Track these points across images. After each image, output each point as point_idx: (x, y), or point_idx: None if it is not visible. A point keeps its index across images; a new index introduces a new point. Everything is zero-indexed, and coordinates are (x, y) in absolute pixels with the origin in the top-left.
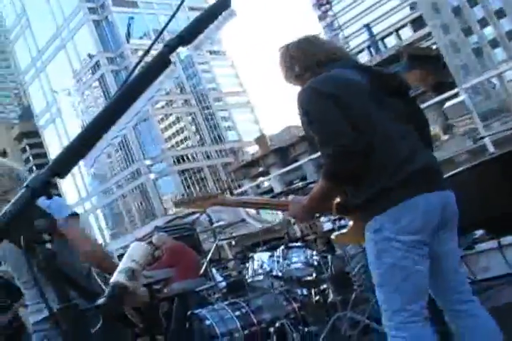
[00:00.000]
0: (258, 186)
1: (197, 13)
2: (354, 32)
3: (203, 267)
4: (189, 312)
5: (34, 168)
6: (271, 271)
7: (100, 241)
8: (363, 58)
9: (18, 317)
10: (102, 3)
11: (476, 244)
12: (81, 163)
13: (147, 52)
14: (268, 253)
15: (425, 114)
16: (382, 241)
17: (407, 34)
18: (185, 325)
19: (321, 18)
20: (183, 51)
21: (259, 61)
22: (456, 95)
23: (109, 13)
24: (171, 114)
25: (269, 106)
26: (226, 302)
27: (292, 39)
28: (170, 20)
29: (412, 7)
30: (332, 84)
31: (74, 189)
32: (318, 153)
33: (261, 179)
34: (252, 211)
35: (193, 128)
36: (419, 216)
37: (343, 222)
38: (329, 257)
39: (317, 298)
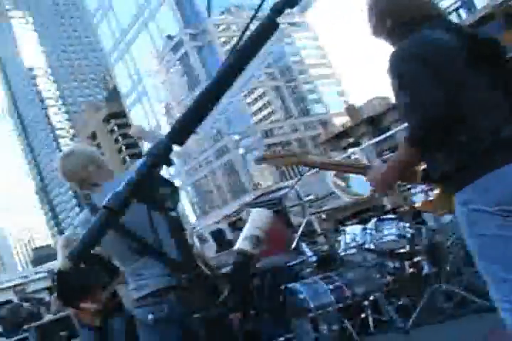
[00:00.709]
0: (349, 157)
1: None
2: None
3: (294, 242)
4: (282, 287)
5: (123, 147)
6: (363, 243)
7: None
8: (454, 19)
9: (115, 295)
10: None
11: None
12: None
13: (254, 16)
14: (360, 226)
15: None
16: (472, 212)
17: None
18: (278, 299)
19: None
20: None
21: (342, 31)
22: None
23: None
24: (255, 88)
25: (355, 77)
26: (319, 276)
27: None
28: None
29: None
30: (425, 47)
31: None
32: None
33: (351, 150)
34: (341, 184)
35: (279, 101)
36: (508, 186)
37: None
38: (423, 229)
39: (411, 270)
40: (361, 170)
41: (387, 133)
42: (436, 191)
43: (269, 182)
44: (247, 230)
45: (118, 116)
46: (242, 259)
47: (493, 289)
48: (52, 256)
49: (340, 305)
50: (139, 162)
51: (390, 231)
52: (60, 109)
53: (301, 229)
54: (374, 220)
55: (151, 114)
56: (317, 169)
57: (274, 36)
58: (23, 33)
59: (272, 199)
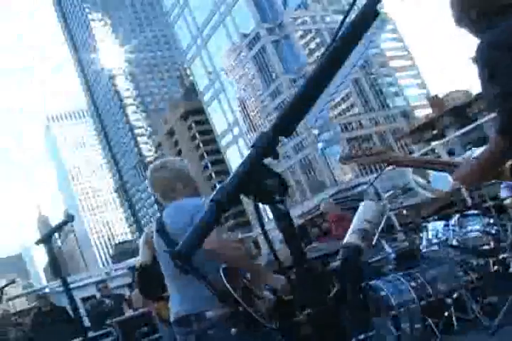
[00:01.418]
0: (433, 150)
1: None
2: None
3: (374, 238)
4: (364, 283)
5: (201, 144)
6: (446, 240)
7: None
8: None
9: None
10: None
11: None
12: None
13: (354, 3)
14: (442, 222)
15: None
16: None
17: None
18: (359, 295)
19: None
20: None
21: (423, 22)
22: None
23: None
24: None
25: (435, 69)
26: (401, 273)
27: None
28: None
29: None
30: None
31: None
32: None
33: (434, 143)
34: (421, 180)
35: (359, 94)
36: None
37: None
38: (509, 225)
39: (496, 267)
40: (449, 167)
41: (473, 124)
42: None
43: (349, 177)
44: (355, 223)
45: (196, 113)
46: (351, 253)
47: None
48: (132, 252)
49: (423, 303)
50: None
51: (474, 227)
52: (138, 107)
53: (381, 225)
54: (457, 216)
55: (229, 110)
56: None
57: None
58: (101, 34)
59: (351, 196)
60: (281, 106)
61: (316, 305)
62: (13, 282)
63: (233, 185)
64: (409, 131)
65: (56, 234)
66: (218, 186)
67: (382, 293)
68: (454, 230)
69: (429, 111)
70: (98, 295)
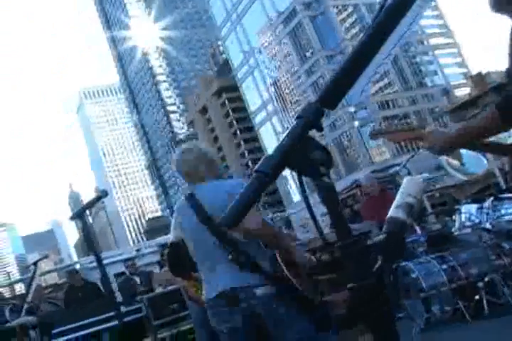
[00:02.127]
0: None
1: None
2: None
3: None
4: (395, 265)
5: (234, 122)
6: (479, 223)
7: None
8: None
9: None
10: None
11: None
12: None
13: None
14: (476, 205)
15: None
16: None
17: None
18: (389, 276)
19: None
20: None
21: None
22: None
23: None
24: None
25: (475, 48)
26: (432, 256)
27: None
28: None
29: None
30: None
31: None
32: None
33: None
34: (455, 162)
35: (397, 72)
36: None
37: None
38: None
39: None
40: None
41: None
42: None
43: (386, 157)
44: (399, 198)
45: (229, 89)
46: (395, 227)
47: None
48: (165, 227)
49: (454, 286)
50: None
51: (508, 210)
52: (170, 84)
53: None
54: (491, 199)
55: (263, 87)
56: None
57: None
58: (135, 10)
59: (383, 177)
60: (317, 84)
61: (360, 280)
62: (46, 257)
63: (278, 156)
64: (449, 109)
65: (87, 211)
66: (263, 157)
67: (413, 275)
68: (487, 213)
69: (468, 90)
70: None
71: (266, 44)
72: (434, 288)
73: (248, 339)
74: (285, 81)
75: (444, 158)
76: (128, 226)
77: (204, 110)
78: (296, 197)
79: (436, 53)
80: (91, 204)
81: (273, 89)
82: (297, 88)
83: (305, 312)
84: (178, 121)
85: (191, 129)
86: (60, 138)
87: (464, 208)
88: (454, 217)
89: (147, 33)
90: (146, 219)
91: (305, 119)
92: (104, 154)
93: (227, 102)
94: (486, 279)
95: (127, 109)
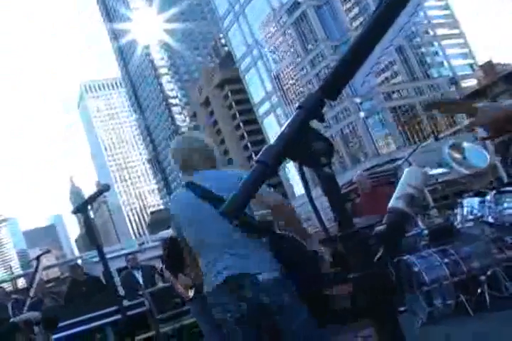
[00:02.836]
0: None
1: None
2: None
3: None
4: (397, 259)
5: (237, 114)
6: (482, 216)
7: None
8: None
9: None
10: None
11: None
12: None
13: None
14: (478, 199)
15: None
16: None
17: None
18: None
19: None
20: None
21: None
22: None
23: None
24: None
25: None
26: (434, 249)
27: None
28: None
29: None
30: None
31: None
32: None
33: None
34: (457, 155)
35: (403, 62)
36: None
37: None
38: None
39: None
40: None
41: None
42: None
43: (392, 148)
44: (399, 188)
45: (232, 81)
46: (396, 218)
47: None
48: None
49: (456, 280)
50: (292, 116)
51: (511, 204)
52: (172, 77)
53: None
54: (493, 193)
55: (267, 79)
56: (433, 140)
57: None
58: (136, 3)
59: (386, 171)
60: (321, 74)
61: (362, 269)
62: (48, 251)
63: (279, 146)
64: (458, 98)
65: (88, 206)
66: (264, 147)
67: (415, 269)
68: (489, 207)
69: (474, 82)
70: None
71: (269, 35)
72: (436, 281)
73: (254, 327)
74: (289, 72)
75: (446, 151)
76: (130, 220)
77: (207, 102)
78: (301, 190)
79: (442, 44)
80: (93, 198)
81: (277, 81)
82: (301, 79)
83: (306, 302)
84: (180, 114)
85: (193, 122)
86: (61, 133)
87: (466, 202)
88: (456, 210)
89: (148, 26)
90: (149, 213)
91: (306, 109)
92: (106, 148)
93: (230, 94)
94: (488, 273)
95: (128, 103)
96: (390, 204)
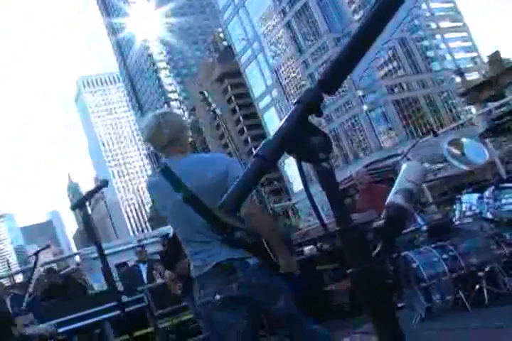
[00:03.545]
0: (490, 111)
1: None
2: None
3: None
4: (395, 255)
5: (237, 108)
6: (480, 212)
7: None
8: None
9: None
10: None
11: None
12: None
13: None
14: (476, 195)
15: None
16: None
17: None
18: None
19: None
20: None
21: None
22: None
23: None
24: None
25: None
26: (433, 245)
27: None
28: None
29: None
30: None
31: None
32: None
33: (494, 103)
34: (456, 151)
35: (406, 55)
36: None
37: None
38: None
39: None
40: None
41: None
42: None
43: (395, 141)
44: (398, 183)
45: (232, 75)
46: (394, 213)
47: None
48: None
49: (454, 275)
50: (290, 111)
51: (509, 200)
52: (171, 71)
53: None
54: (491, 188)
55: (268, 72)
56: (432, 136)
57: None
58: None
59: (384, 167)
60: (324, 67)
61: (360, 264)
62: (48, 247)
63: (277, 141)
64: (464, 90)
65: (87, 202)
66: (263, 142)
67: (414, 265)
68: (488, 203)
69: (476, 76)
70: (131, 262)
71: (270, 27)
72: (434, 277)
73: (241, 308)
74: (290, 65)
75: (445, 148)
76: (128, 216)
77: (205, 97)
78: (301, 185)
79: (445, 37)
80: (91, 194)
81: (277, 74)
82: (303, 72)
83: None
84: (179, 108)
85: (192, 117)
86: (58, 129)
87: (464, 198)
88: (454, 206)
89: (147, 20)
90: (147, 208)
91: (304, 104)
92: (104, 143)
93: (229, 88)
94: (487, 269)
95: (127, 98)
96: (388, 199)
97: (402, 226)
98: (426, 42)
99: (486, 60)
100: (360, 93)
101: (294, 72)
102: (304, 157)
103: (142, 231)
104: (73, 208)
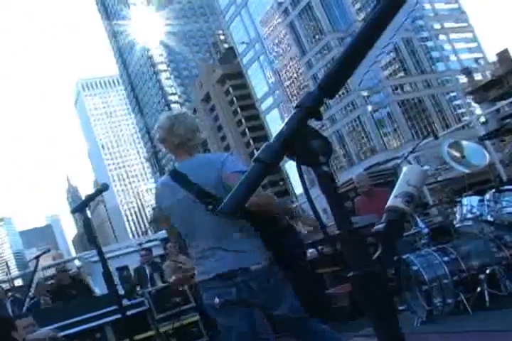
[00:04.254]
0: (498, 110)
1: None
2: None
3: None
4: (396, 257)
5: (238, 109)
6: (481, 215)
7: None
8: None
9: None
10: None
11: None
12: None
13: None
14: (477, 198)
15: None
16: None
17: None
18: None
19: None
20: None
21: None
22: None
23: None
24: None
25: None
26: (434, 248)
27: None
28: None
29: None
30: None
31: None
32: None
33: (503, 102)
34: (456, 154)
35: (411, 55)
36: None
37: None
38: None
39: None
40: None
41: None
42: None
43: (401, 142)
44: (398, 187)
45: (233, 76)
46: (394, 216)
47: None
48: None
49: (455, 278)
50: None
51: (510, 202)
52: (171, 73)
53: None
54: (492, 191)
55: (270, 73)
56: (432, 138)
57: None
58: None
59: (385, 170)
60: (327, 67)
61: (361, 268)
62: (48, 251)
63: (277, 145)
64: (472, 89)
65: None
66: (263, 145)
67: (415, 268)
68: (488, 205)
69: (480, 77)
70: (133, 265)
71: (273, 27)
72: (435, 280)
73: (241, 311)
74: (293, 65)
75: (445, 150)
76: (128, 220)
77: (207, 98)
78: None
79: (451, 37)
80: (92, 198)
81: (280, 75)
82: (306, 73)
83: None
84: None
85: None
86: (57, 132)
87: (465, 200)
88: (455, 209)
89: (147, 22)
90: (147, 212)
91: (304, 108)
92: (103, 146)
93: (231, 90)
94: (488, 271)
95: (126, 101)
96: (388, 203)
97: (403, 230)
98: (431, 43)
99: (491, 60)
100: (365, 93)
101: (296, 73)
102: (304, 161)
103: (143, 234)
104: (73, 212)
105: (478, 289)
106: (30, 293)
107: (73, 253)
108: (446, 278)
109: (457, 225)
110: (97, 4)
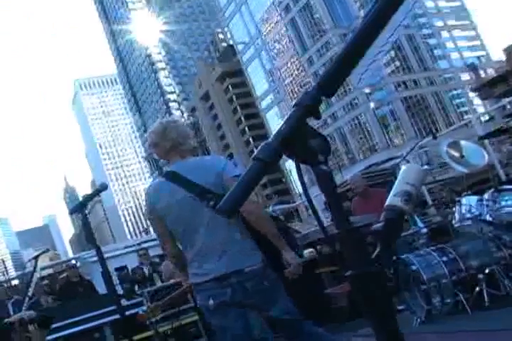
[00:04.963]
0: (504, 107)
1: None
2: None
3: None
4: (395, 257)
5: (238, 108)
6: (480, 215)
7: None
8: None
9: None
10: None
11: None
12: None
13: None
14: (476, 197)
15: None
16: None
17: None
18: (389, 269)
19: None
20: None
21: None
22: None
23: None
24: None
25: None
26: (432, 248)
27: None
28: None
29: None
30: None
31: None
32: None
33: (508, 99)
34: (456, 154)
35: (413, 52)
36: None
37: None
38: None
39: None
40: None
41: None
42: None
43: (404, 140)
44: (397, 186)
45: (233, 74)
46: (393, 215)
47: None
48: None
49: (454, 278)
50: (289, 113)
51: (509, 202)
52: (169, 72)
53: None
54: (491, 191)
55: (270, 70)
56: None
57: None
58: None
59: (384, 170)
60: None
61: (359, 267)
62: (47, 251)
63: (276, 144)
64: (477, 86)
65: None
66: (261, 144)
67: (414, 268)
68: (487, 205)
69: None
70: (132, 266)
71: (273, 24)
72: (434, 280)
73: (235, 312)
74: (294, 62)
75: (444, 150)
76: (125, 220)
77: (206, 97)
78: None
79: (453, 35)
80: (90, 198)
81: (281, 72)
82: (307, 70)
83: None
84: (178, 109)
85: (191, 118)
86: (55, 131)
87: (464, 200)
88: (454, 209)
89: (146, 21)
90: (145, 211)
91: (303, 107)
92: (101, 146)
93: (230, 88)
94: (487, 271)
95: (124, 100)
96: (387, 202)
97: (401, 229)
98: (433, 40)
99: (494, 58)
100: (367, 90)
101: (297, 70)
102: (302, 159)
103: (141, 233)
104: (71, 212)
105: (477, 289)
106: (29, 293)
107: (70, 254)
108: (445, 278)
109: (456, 225)
110: (95, 3)
